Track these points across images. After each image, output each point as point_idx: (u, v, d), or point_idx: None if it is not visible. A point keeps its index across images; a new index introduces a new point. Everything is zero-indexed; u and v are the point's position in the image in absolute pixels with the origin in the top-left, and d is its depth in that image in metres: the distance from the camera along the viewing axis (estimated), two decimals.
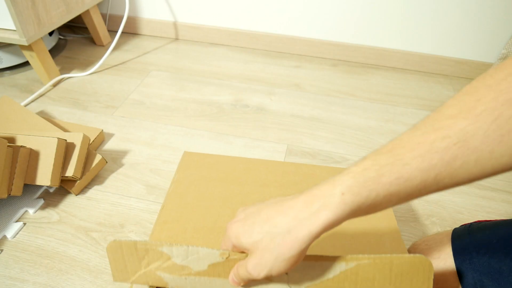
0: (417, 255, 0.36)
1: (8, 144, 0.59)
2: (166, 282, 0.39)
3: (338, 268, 0.36)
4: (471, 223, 0.45)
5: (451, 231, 0.44)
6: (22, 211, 0.65)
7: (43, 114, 0.88)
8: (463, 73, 1.10)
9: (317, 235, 0.28)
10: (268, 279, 0.37)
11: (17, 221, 0.64)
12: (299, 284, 0.37)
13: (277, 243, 0.28)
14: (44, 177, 0.62)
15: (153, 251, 0.38)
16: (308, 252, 0.32)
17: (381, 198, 0.27)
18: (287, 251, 0.28)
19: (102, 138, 0.81)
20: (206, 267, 0.37)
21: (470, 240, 0.41)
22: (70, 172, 0.65)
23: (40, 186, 0.69)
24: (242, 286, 0.36)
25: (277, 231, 0.28)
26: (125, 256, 0.39)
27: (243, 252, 0.35)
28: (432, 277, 0.36)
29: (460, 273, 0.39)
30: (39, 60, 0.94)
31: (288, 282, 0.37)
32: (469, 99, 0.26)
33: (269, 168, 0.62)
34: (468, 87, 0.27)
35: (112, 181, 0.72)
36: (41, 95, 0.96)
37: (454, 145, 0.25)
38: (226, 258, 0.36)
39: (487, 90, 0.25)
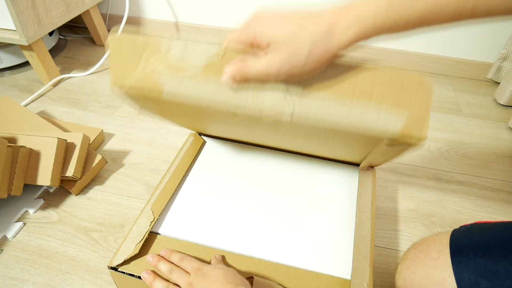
0: (418, 72, 0.34)
1: (8, 144, 0.59)
2: (162, 83, 0.37)
3: (336, 73, 0.33)
4: (471, 224, 0.45)
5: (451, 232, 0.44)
6: (22, 211, 0.65)
7: (43, 114, 0.88)
8: (463, 73, 1.10)
9: (347, 46, 0.29)
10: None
11: (17, 221, 0.64)
12: (296, 88, 0.34)
13: (312, 42, 0.28)
14: (44, 177, 0.62)
15: (152, 45, 0.36)
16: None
17: (411, 24, 0.27)
18: (320, 54, 0.28)
19: (102, 138, 0.81)
20: (202, 68, 0.36)
21: (469, 241, 0.41)
22: (70, 172, 0.65)
23: (40, 186, 0.69)
24: (237, 85, 0.34)
25: (315, 30, 0.28)
26: (125, 51, 0.37)
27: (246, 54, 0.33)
28: (432, 95, 0.34)
29: (456, 274, 0.39)
30: (39, 60, 0.94)
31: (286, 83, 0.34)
32: None
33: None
34: None
35: (112, 181, 0.72)
36: (41, 95, 0.96)
37: None
38: (222, 57, 0.34)
39: None
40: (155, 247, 0.48)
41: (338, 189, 0.59)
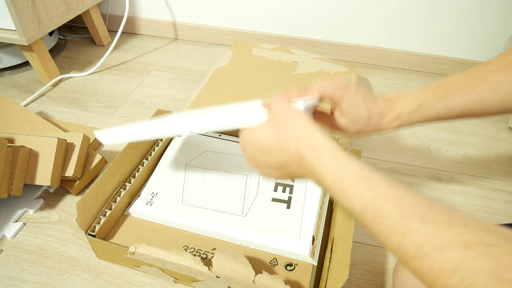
0: None
1: (8, 144, 0.59)
2: None
3: None
4: None
5: None
6: (22, 211, 0.65)
7: (43, 114, 0.88)
8: None
9: (388, 131, 0.42)
10: None
11: (17, 221, 0.64)
12: None
13: (368, 119, 0.41)
14: (44, 177, 0.62)
15: None
16: None
17: (434, 118, 0.41)
18: (371, 127, 0.42)
19: None
20: None
21: None
22: (70, 172, 0.65)
23: (40, 186, 0.69)
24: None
25: (374, 111, 0.41)
26: None
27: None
28: None
29: None
30: (39, 60, 0.94)
31: None
32: None
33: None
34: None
35: None
36: (41, 95, 0.96)
37: None
38: None
39: None
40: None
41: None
